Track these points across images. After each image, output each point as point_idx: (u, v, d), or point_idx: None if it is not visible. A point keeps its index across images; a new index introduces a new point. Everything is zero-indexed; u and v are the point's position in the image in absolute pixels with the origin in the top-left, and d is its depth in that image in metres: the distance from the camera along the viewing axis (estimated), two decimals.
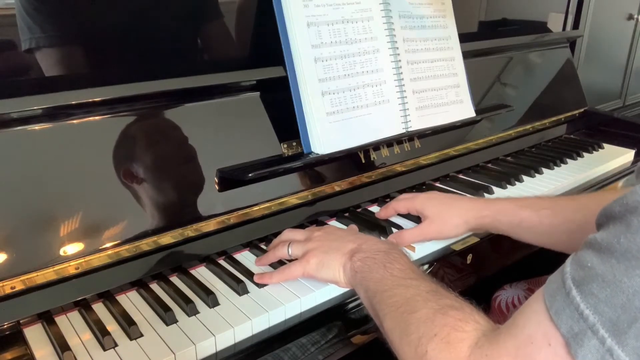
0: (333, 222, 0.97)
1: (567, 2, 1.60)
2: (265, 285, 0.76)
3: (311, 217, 0.95)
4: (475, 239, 0.91)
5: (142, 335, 0.66)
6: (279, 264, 0.80)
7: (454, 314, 0.54)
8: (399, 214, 0.96)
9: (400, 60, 1.03)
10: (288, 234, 0.82)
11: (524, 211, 0.82)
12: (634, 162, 1.35)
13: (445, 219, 0.87)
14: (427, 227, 0.87)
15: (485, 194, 1.08)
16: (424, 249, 0.88)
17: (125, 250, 0.74)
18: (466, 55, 1.16)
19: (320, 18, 0.92)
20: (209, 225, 0.82)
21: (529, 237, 0.83)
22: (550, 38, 1.51)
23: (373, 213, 1.00)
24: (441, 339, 0.52)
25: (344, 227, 0.94)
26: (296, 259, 0.77)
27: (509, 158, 1.31)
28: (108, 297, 0.73)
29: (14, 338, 0.66)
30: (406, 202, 0.93)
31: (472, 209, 0.86)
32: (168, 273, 0.80)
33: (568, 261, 0.45)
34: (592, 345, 0.40)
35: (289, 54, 0.90)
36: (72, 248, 0.70)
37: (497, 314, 1.08)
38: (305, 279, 0.77)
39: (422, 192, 0.96)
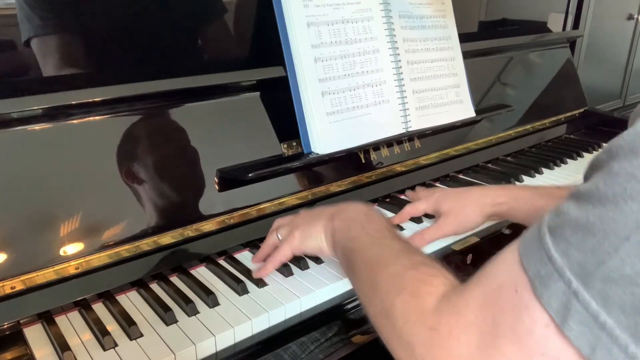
0: None
1: (567, 2, 1.60)
2: (265, 285, 0.77)
3: None
4: (475, 239, 0.91)
5: (142, 335, 0.66)
6: None
7: (424, 270, 0.53)
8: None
9: (400, 60, 1.03)
10: (276, 222, 0.83)
11: (542, 199, 0.80)
12: None
13: (461, 212, 0.86)
14: (444, 224, 0.86)
15: None
16: (424, 249, 0.88)
17: (125, 250, 0.74)
18: (466, 55, 1.16)
19: (320, 18, 0.92)
20: (209, 225, 0.82)
21: None
22: (550, 38, 1.51)
23: None
24: (409, 293, 0.51)
25: None
26: None
27: (509, 158, 1.31)
28: (108, 297, 0.73)
29: (14, 338, 0.66)
30: (422, 204, 0.92)
31: (486, 196, 0.85)
32: (168, 273, 0.80)
33: (547, 211, 0.44)
34: (558, 288, 0.39)
35: (289, 54, 0.90)
36: (72, 248, 0.70)
37: None
38: (305, 278, 0.77)
39: (435, 190, 0.95)
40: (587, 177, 0.44)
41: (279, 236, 0.78)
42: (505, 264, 0.44)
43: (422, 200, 0.93)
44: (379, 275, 0.55)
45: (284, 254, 0.76)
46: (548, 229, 0.41)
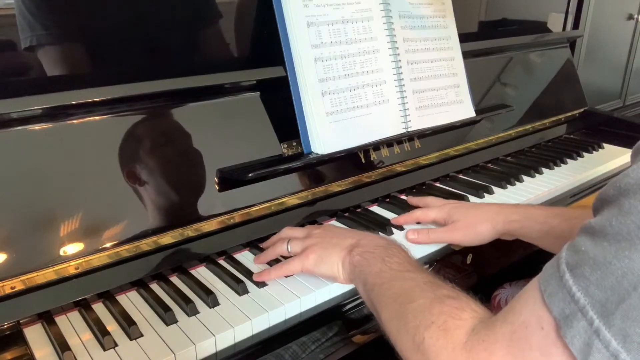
0: (333, 222, 0.97)
1: (567, 2, 1.60)
2: (265, 285, 0.76)
3: (311, 217, 0.95)
4: None
5: (142, 335, 0.66)
6: (277, 262, 0.80)
7: (450, 303, 0.54)
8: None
9: (400, 60, 1.03)
10: (287, 231, 0.83)
11: (555, 219, 0.79)
12: None
13: (472, 225, 0.85)
14: (454, 230, 0.86)
15: (485, 194, 1.08)
16: (424, 249, 0.88)
17: (125, 250, 0.74)
18: (466, 55, 1.16)
19: (320, 18, 0.92)
20: (209, 225, 0.82)
21: (558, 246, 0.82)
22: (550, 38, 1.51)
23: (373, 212, 1.00)
24: (438, 327, 0.52)
25: (344, 226, 0.95)
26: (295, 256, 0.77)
27: (509, 158, 1.31)
28: (108, 297, 0.73)
29: (14, 338, 0.66)
30: (434, 212, 0.91)
31: (500, 213, 0.85)
32: (168, 273, 0.80)
33: (565, 247, 0.46)
34: (581, 327, 0.40)
35: (289, 54, 0.90)
36: (72, 248, 0.70)
37: (497, 312, 1.08)
38: (305, 278, 0.77)
39: (449, 202, 0.94)
40: (596, 210, 0.45)
41: (289, 248, 0.77)
42: (529, 301, 0.46)
43: (434, 209, 0.92)
44: (406, 309, 0.57)
45: (292, 270, 0.76)
46: (567, 267, 0.43)
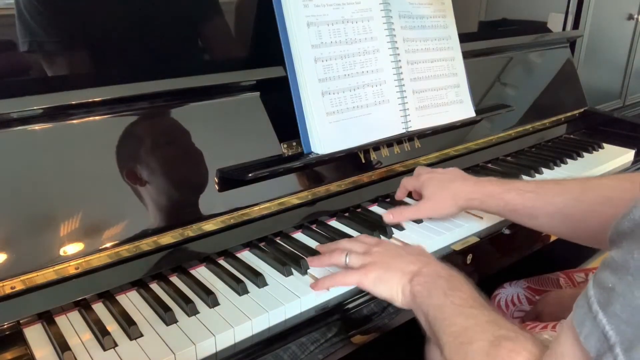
0: (333, 222, 0.97)
1: (567, 2, 1.60)
2: (265, 285, 0.77)
3: (311, 217, 0.95)
4: (475, 239, 0.91)
5: (142, 335, 0.66)
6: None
7: (506, 345, 0.55)
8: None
9: (400, 60, 1.03)
10: (346, 243, 0.81)
11: (509, 194, 0.86)
12: (634, 162, 1.35)
13: (439, 200, 0.93)
14: (423, 205, 0.94)
15: None
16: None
17: (125, 250, 0.75)
18: (466, 55, 1.16)
19: (320, 18, 0.92)
20: (209, 225, 0.82)
21: (515, 219, 0.88)
22: (550, 38, 1.51)
23: (373, 213, 1.00)
24: None
25: (344, 226, 0.95)
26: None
27: (509, 158, 1.31)
28: (108, 297, 0.73)
29: (14, 338, 0.66)
30: (412, 180, 0.99)
31: (462, 192, 0.92)
32: (168, 273, 0.80)
33: (590, 284, 0.46)
34: None
35: (289, 54, 0.90)
36: (72, 248, 0.70)
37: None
38: (305, 279, 0.77)
39: (426, 170, 0.99)
40: (613, 242, 0.46)
41: (347, 261, 0.76)
42: (568, 346, 0.48)
43: (409, 181, 0.99)
44: (466, 351, 0.59)
45: (348, 283, 0.75)
46: (599, 306, 0.44)
